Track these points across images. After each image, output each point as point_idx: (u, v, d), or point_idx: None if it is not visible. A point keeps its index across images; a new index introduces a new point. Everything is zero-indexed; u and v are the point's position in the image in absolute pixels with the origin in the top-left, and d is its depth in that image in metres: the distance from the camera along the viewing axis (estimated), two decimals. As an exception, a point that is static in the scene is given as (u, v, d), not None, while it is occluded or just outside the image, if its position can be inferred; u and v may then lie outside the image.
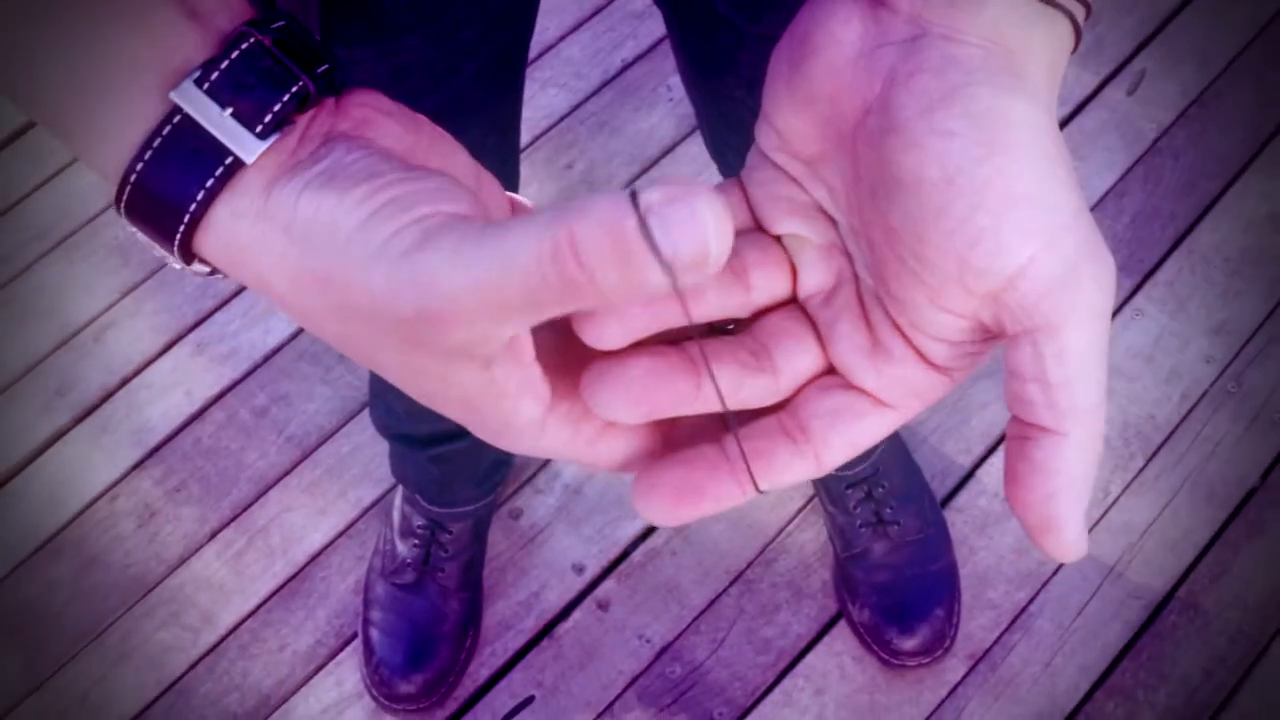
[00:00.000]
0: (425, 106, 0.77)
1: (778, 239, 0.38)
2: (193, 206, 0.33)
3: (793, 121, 0.36)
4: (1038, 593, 1.41)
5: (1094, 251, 0.32)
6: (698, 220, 0.26)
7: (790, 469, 0.35)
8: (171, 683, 1.40)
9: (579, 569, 1.44)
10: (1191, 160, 1.66)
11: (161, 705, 1.39)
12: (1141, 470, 1.47)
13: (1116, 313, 1.56)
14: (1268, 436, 1.49)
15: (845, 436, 0.36)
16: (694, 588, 1.42)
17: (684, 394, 0.35)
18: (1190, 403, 1.50)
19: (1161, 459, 1.47)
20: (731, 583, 1.42)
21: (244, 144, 0.33)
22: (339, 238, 0.31)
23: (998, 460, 1.47)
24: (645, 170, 1.67)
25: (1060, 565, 1.42)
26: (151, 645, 1.42)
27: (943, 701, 1.36)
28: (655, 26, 1.75)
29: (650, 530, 1.46)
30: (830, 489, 1.38)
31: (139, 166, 0.33)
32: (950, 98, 0.32)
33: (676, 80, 1.70)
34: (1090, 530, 1.44)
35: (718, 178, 1.01)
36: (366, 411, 1.45)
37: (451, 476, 1.33)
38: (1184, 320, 1.56)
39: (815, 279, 0.37)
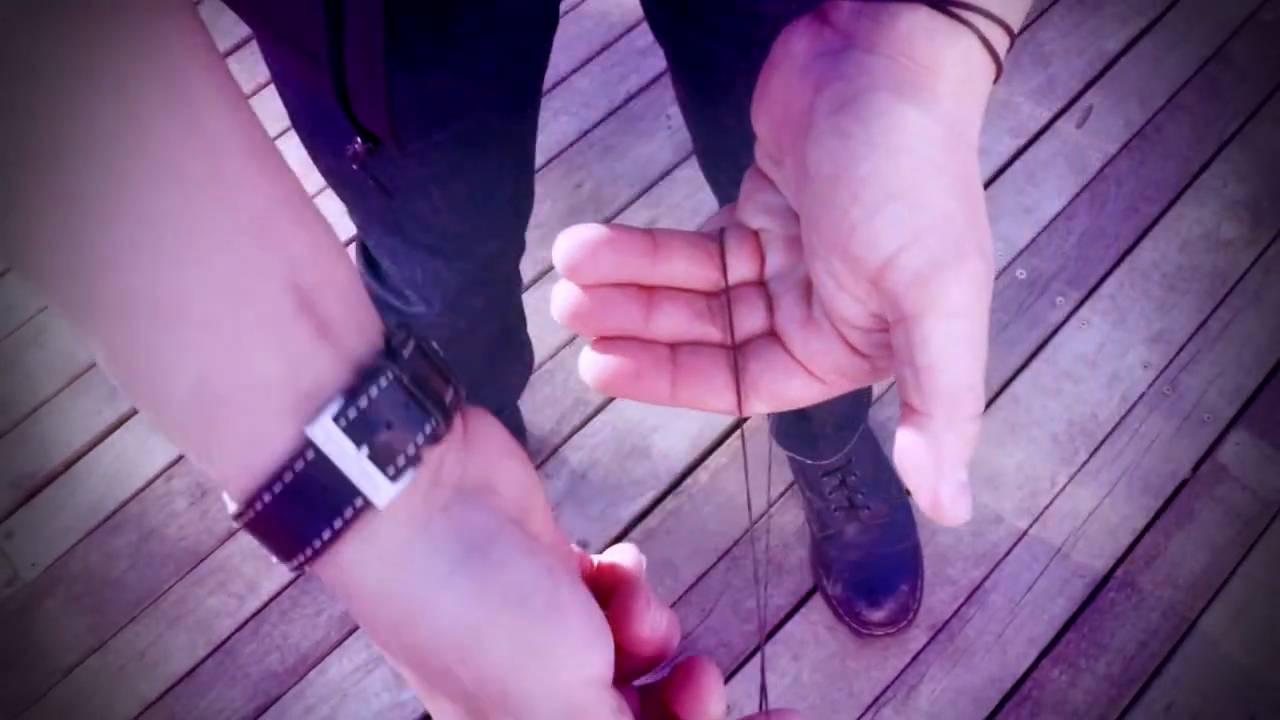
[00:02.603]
0: (451, 130, 0.78)
1: (755, 232, 0.38)
2: (317, 543, 0.29)
3: (762, 128, 0.37)
4: (992, 571, 1.42)
5: (961, 253, 0.31)
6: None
7: (721, 397, 0.37)
8: (220, 643, 1.41)
9: (583, 545, 1.45)
10: (1133, 187, 1.68)
11: (210, 663, 1.40)
12: (1085, 463, 1.48)
13: (1065, 323, 1.57)
14: (1197, 434, 1.50)
15: (772, 388, 0.37)
16: (685, 563, 1.44)
17: (633, 317, 0.37)
18: (1129, 403, 1.52)
19: (1103, 454, 1.49)
20: (719, 559, 1.44)
21: (377, 487, 0.29)
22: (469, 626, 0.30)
23: (957, 453, 1.49)
24: (646, 191, 1.68)
25: (1012, 546, 1.43)
26: (202, 610, 1.43)
27: (906, 667, 1.38)
28: (657, 62, 1.76)
29: (648, 511, 1.47)
30: (808, 476, 1.40)
31: (266, 497, 0.29)
32: (852, 101, 0.32)
33: (675, 110, 1.71)
34: (1039, 516, 1.45)
35: (710, 198, 1.02)
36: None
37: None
38: (1125, 330, 1.57)
39: (776, 264, 0.38)
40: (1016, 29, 0.35)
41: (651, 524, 1.46)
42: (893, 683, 1.37)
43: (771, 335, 0.37)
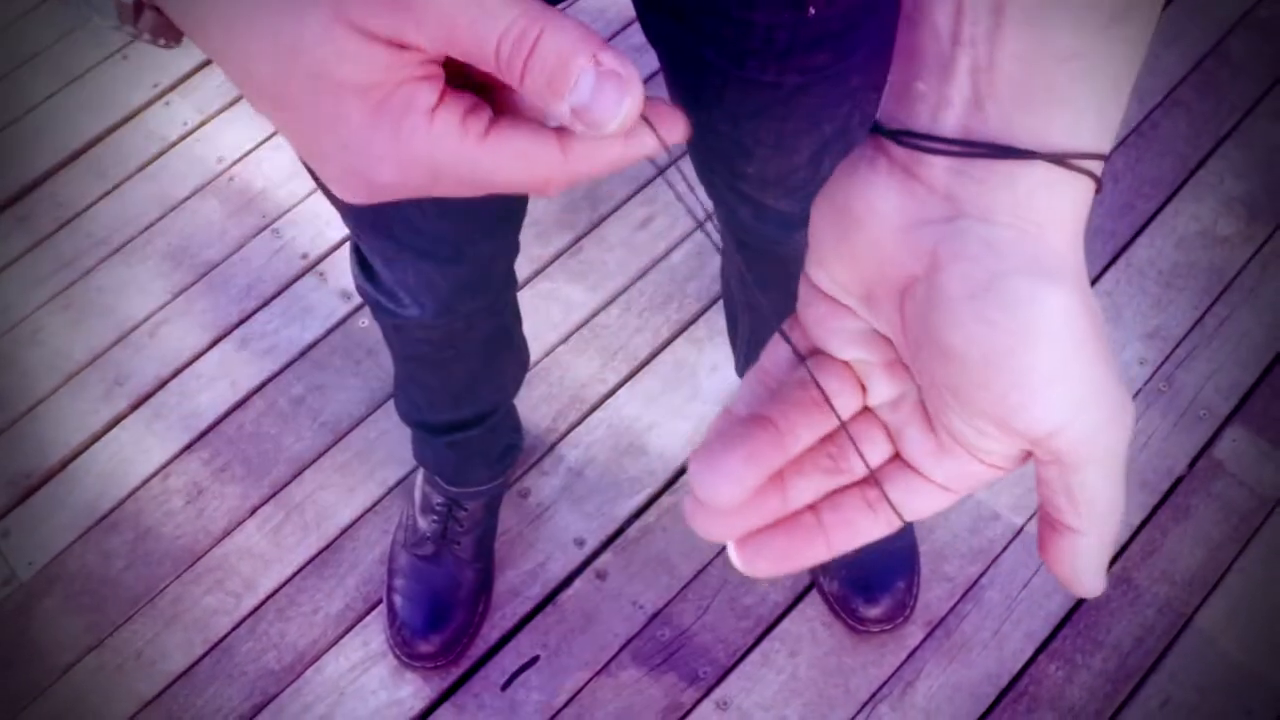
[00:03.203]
0: None
1: (845, 363, 0.38)
2: None
3: (841, 275, 0.36)
4: (988, 567, 1.42)
5: (1115, 409, 0.33)
6: (621, 105, 0.30)
7: (869, 530, 0.37)
8: (216, 641, 1.41)
9: (580, 543, 1.45)
10: (1130, 183, 1.68)
11: (208, 661, 1.40)
12: (1082, 459, 1.48)
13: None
14: (1194, 431, 1.50)
15: (911, 508, 0.37)
16: (683, 560, 1.43)
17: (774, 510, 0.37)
18: (1126, 400, 1.51)
19: (1100, 449, 1.48)
20: (716, 555, 1.43)
21: None
22: None
23: (954, 449, 1.48)
24: (642, 188, 1.68)
25: (1009, 543, 1.43)
26: (199, 608, 1.43)
27: (903, 664, 1.37)
28: (653, 60, 1.73)
29: (644, 508, 1.47)
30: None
31: None
32: (989, 287, 0.32)
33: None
34: (1035, 513, 1.44)
35: (704, 195, 1.02)
36: (392, 401, 1.46)
37: (466, 460, 1.33)
38: (1121, 326, 1.57)
39: (882, 393, 0.37)
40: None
41: (648, 521, 1.46)
42: (889, 679, 1.36)
43: (897, 460, 0.37)
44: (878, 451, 0.37)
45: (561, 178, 0.33)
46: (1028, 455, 0.35)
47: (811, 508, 0.37)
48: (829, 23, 0.72)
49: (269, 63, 0.32)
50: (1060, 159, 0.32)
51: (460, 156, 0.32)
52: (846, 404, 0.37)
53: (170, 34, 0.36)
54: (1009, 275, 0.32)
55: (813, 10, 0.70)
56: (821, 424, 0.37)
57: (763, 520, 0.37)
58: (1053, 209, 0.32)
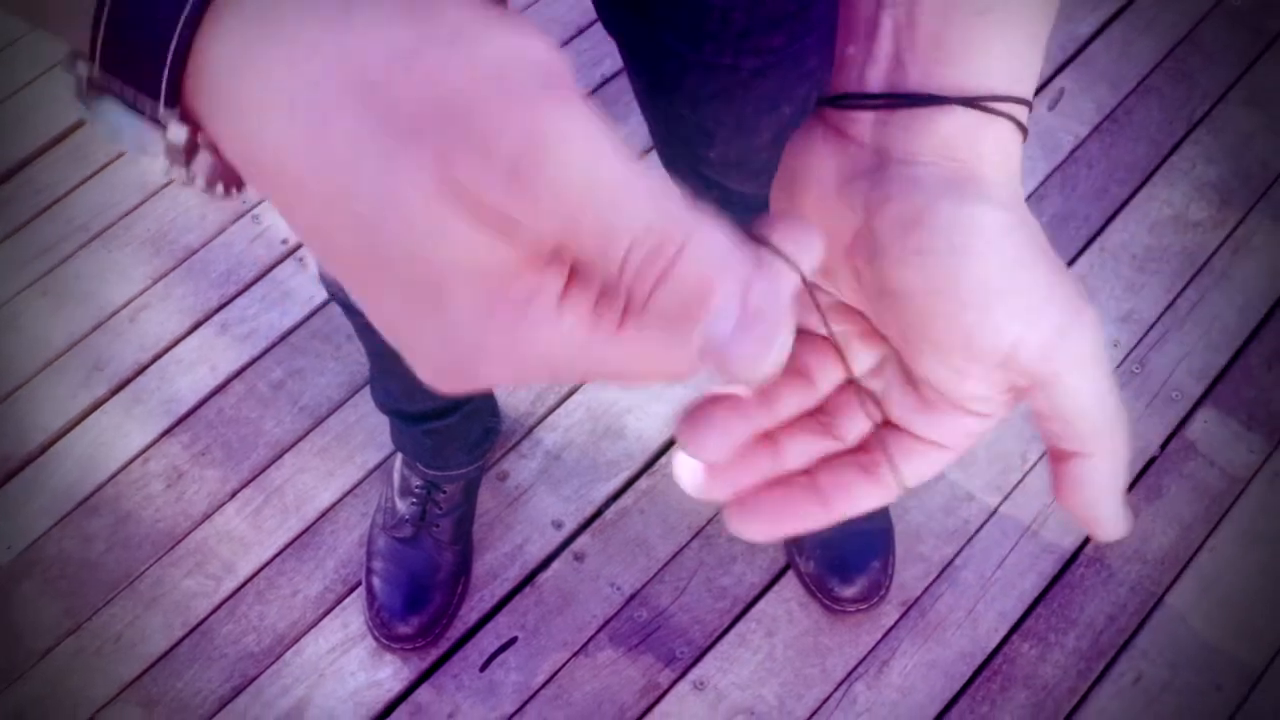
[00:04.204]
0: None
1: (823, 337, 0.38)
2: (188, 9, 0.25)
3: None
4: (963, 548, 1.43)
5: (1075, 311, 0.33)
6: (766, 353, 0.26)
7: (869, 496, 0.36)
8: (196, 624, 1.41)
9: (558, 525, 1.45)
10: (1104, 169, 1.68)
11: (187, 644, 1.40)
12: (1055, 441, 1.49)
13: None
14: (1165, 412, 1.51)
15: (910, 470, 0.36)
16: (660, 542, 1.44)
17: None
18: (1099, 382, 1.52)
19: (1073, 431, 1.49)
20: (693, 537, 1.44)
21: None
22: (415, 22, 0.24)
23: (929, 432, 1.49)
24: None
25: (983, 524, 1.44)
26: (178, 591, 1.43)
27: (878, 643, 1.38)
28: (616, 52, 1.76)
29: (622, 490, 1.47)
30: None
31: None
32: (919, 219, 0.32)
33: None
34: (1009, 494, 1.46)
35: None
36: (371, 385, 1.46)
37: (443, 446, 1.33)
38: (1095, 309, 1.57)
39: (863, 363, 0.37)
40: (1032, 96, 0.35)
41: (626, 503, 1.46)
42: (865, 658, 1.37)
43: (888, 425, 0.37)
44: (864, 422, 0.37)
45: (699, 369, 0.28)
46: (1013, 395, 0.35)
47: (807, 473, 0.37)
48: (784, 4, 0.73)
49: (351, 234, 0.26)
50: (975, 102, 0.33)
51: (590, 352, 0.27)
52: (829, 376, 0.37)
53: (230, 181, 0.29)
54: (936, 203, 0.32)
55: None
56: (806, 395, 0.37)
57: (754, 479, 0.36)
58: (975, 150, 0.33)
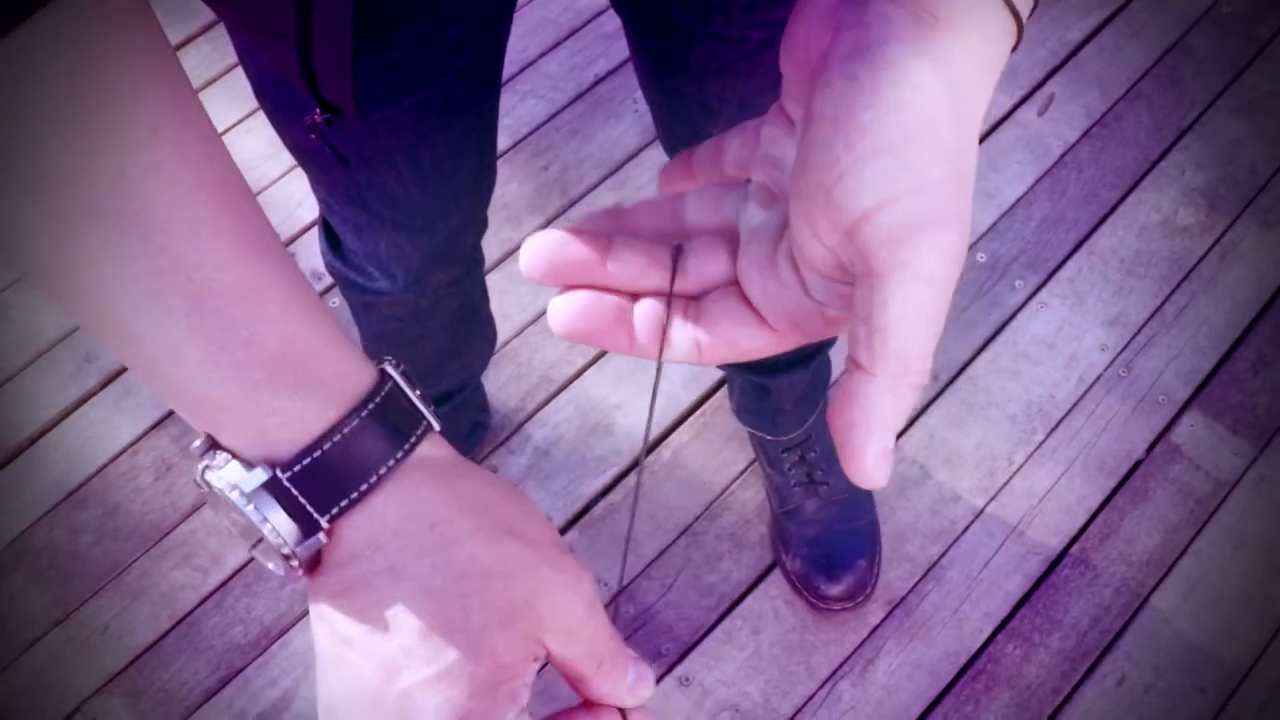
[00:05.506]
0: (418, 99, 0.78)
1: (746, 182, 0.38)
2: (391, 462, 0.36)
3: (787, 69, 0.36)
4: (949, 548, 1.43)
5: (939, 221, 0.31)
6: (643, 690, 0.40)
7: (679, 347, 0.37)
8: (183, 616, 1.40)
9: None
10: (1093, 173, 1.68)
11: (174, 636, 1.39)
12: (1042, 443, 1.49)
13: (1023, 306, 1.58)
14: (1152, 416, 1.51)
15: (726, 335, 0.36)
16: (647, 539, 1.43)
17: (595, 272, 0.38)
18: (1086, 385, 1.52)
19: (1060, 433, 1.49)
20: (680, 535, 1.44)
21: (431, 417, 0.38)
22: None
23: (916, 431, 1.49)
24: (613, 173, 1.68)
25: (970, 524, 1.44)
26: (166, 583, 1.42)
27: (864, 641, 1.38)
28: (624, 47, 1.75)
29: (610, 487, 1.47)
30: (768, 453, 1.40)
31: (345, 429, 0.35)
32: (866, 49, 0.31)
33: (642, 95, 1.70)
34: (996, 495, 1.46)
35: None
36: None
37: (433, 438, 1.33)
38: (1083, 313, 1.58)
39: (756, 216, 0.37)
40: None
41: (614, 499, 1.46)
42: (850, 656, 1.37)
43: (731, 285, 0.37)
44: (716, 268, 0.38)
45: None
46: (846, 277, 0.33)
47: (634, 298, 0.38)
48: None
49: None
50: None
51: None
52: (718, 215, 0.39)
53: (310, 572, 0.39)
54: (888, 41, 0.31)
55: None
56: (669, 223, 0.40)
57: (578, 272, 0.37)
58: (953, 14, 0.32)
